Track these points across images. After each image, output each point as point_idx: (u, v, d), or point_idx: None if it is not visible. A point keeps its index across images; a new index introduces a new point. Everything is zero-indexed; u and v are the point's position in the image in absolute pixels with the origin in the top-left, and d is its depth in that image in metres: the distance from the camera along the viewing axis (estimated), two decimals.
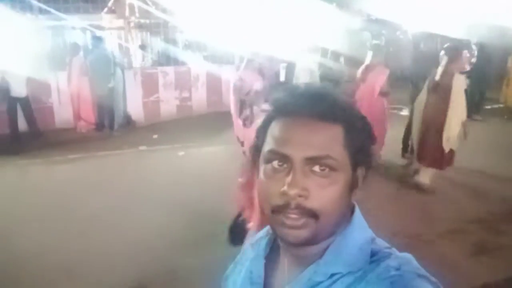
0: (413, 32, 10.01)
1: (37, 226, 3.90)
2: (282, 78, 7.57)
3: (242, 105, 4.69)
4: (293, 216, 0.65)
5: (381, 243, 0.72)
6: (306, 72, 4.99)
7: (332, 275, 0.68)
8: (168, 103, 8.15)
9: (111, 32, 10.25)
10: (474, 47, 7.18)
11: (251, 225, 2.39)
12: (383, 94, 4.77)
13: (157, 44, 9.84)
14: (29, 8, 7.77)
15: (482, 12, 7.68)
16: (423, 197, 4.40)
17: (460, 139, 4.28)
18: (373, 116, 4.66)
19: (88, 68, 7.04)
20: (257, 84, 4.72)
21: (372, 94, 4.69)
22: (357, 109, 0.73)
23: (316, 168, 0.65)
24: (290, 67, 6.57)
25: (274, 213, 0.67)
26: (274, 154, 0.67)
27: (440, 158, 4.39)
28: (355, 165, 0.69)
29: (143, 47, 10.14)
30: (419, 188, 4.51)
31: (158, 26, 9.32)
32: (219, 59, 8.74)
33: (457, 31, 7.24)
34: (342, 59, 7.49)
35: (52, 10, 7.98)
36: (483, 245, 3.45)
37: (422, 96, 4.57)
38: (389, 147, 5.09)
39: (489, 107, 8.24)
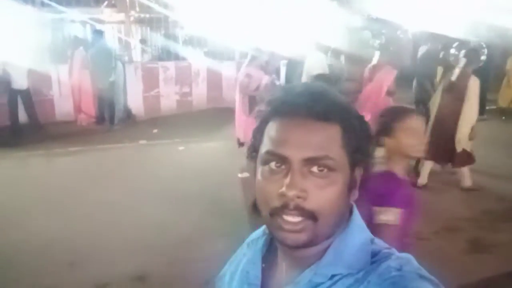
0: (413, 32, 10.05)
1: (37, 218, 3.94)
2: (282, 75, 7.60)
3: (251, 102, 4.71)
4: (292, 218, 0.64)
5: (381, 243, 0.72)
6: (317, 71, 4.94)
7: (333, 276, 0.67)
8: (169, 98, 8.17)
9: (111, 26, 10.24)
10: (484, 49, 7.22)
11: None
12: (389, 93, 4.83)
13: (157, 39, 9.84)
14: (31, 0, 7.75)
15: (482, 12, 7.71)
16: (419, 195, 4.45)
17: (469, 139, 4.39)
18: (376, 113, 4.72)
19: (89, 61, 7.05)
20: (266, 78, 4.74)
21: (379, 93, 4.75)
22: (354, 109, 0.72)
23: (315, 169, 0.65)
24: (291, 65, 6.58)
25: (273, 215, 0.66)
26: (272, 155, 0.66)
27: (451, 157, 4.48)
28: (353, 165, 0.69)
29: (143, 41, 10.14)
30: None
31: (158, 21, 9.32)
32: (219, 55, 8.75)
33: (457, 31, 7.27)
34: (342, 58, 7.50)
35: (53, 3, 7.95)
36: (478, 242, 3.50)
37: (436, 96, 4.65)
38: None
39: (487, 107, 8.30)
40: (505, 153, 5.63)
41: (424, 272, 0.64)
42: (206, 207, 4.17)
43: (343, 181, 0.67)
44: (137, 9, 10.21)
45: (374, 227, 1.76)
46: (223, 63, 8.58)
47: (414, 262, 0.66)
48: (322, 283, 0.67)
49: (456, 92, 4.37)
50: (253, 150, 0.73)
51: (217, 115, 7.95)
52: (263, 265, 0.77)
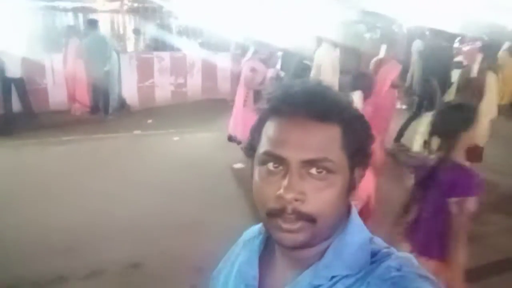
0: (408, 26, 10.10)
1: (31, 207, 3.95)
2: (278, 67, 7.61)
3: (256, 96, 4.72)
4: (290, 220, 0.63)
5: (380, 242, 0.71)
6: (329, 67, 4.88)
7: (332, 277, 0.67)
8: (163, 88, 8.14)
9: (104, 15, 10.15)
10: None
11: None
12: (394, 86, 4.91)
13: (151, 29, 9.77)
14: None
15: (476, 7, 7.77)
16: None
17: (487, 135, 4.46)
18: (382, 106, 4.85)
19: (84, 51, 7.01)
20: (271, 72, 4.75)
21: (383, 86, 4.83)
22: (354, 108, 0.70)
23: (313, 171, 0.64)
24: (287, 57, 6.60)
25: (270, 216, 0.65)
26: (270, 156, 0.65)
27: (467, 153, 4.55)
28: (352, 166, 0.68)
29: (136, 31, 10.07)
30: None
31: (151, 11, 9.26)
32: (214, 46, 8.73)
33: (451, 26, 7.33)
34: (337, 50, 7.54)
35: None
36: (468, 233, 3.58)
37: (451, 93, 4.73)
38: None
39: None
40: (492, 145, 5.71)
41: (423, 271, 0.64)
42: (200, 197, 4.21)
43: (342, 183, 0.66)
44: None
45: (448, 219, 1.84)
46: (218, 54, 8.56)
47: (414, 261, 0.66)
48: (322, 285, 0.67)
49: (474, 88, 4.41)
50: (251, 148, 0.71)
51: (212, 106, 7.96)
52: (260, 264, 0.76)
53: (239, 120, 4.96)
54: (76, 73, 7.19)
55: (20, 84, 6.60)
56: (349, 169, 0.67)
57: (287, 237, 0.65)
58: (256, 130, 0.70)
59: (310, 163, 0.63)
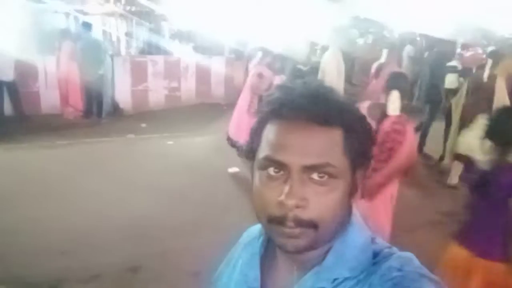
0: (400, 32, 10.22)
1: (25, 209, 3.91)
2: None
3: (261, 102, 4.76)
4: (291, 226, 0.63)
5: (381, 243, 0.70)
6: (334, 72, 4.87)
7: (335, 279, 0.66)
8: (157, 92, 8.12)
9: (95, 18, 10.11)
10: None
11: None
12: None
13: (143, 32, 9.77)
14: None
15: (468, 14, 7.91)
16: (404, 191, 4.58)
17: None
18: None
19: (78, 54, 6.97)
20: (277, 78, 4.78)
21: (382, 89, 4.89)
22: (356, 109, 0.69)
23: (315, 176, 0.62)
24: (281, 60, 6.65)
25: (271, 222, 0.64)
26: (270, 161, 0.64)
27: None
28: (354, 169, 0.67)
29: (128, 34, 10.06)
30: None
31: (144, 14, 9.26)
32: (208, 50, 8.75)
33: (443, 32, 7.45)
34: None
35: None
36: None
37: (460, 97, 4.79)
38: None
39: None
40: None
41: (425, 270, 0.64)
42: (196, 201, 4.21)
43: (344, 187, 0.65)
44: (122, 1, 10.12)
45: (509, 220, 1.91)
46: (212, 58, 8.58)
47: (415, 260, 0.66)
48: (324, 287, 0.66)
49: (483, 93, 4.49)
50: (250, 151, 0.70)
51: (206, 110, 7.97)
52: (262, 266, 0.75)
53: (244, 126, 4.97)
54: (69, 76, 7.14)
55: (12, 87, 6.54)
56: (351, 172, 0.66)
57: (289, 242, 0.64)
58: (256, 133, 0.69)
59: (311, 168, 0.62)
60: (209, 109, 8.08)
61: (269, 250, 0.77)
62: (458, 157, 3.65)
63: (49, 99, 7.33)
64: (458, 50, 7.15)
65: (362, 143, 0.67)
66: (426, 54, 7.93)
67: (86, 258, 3.22)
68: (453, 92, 5.31)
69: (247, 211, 0.71)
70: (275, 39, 7.18)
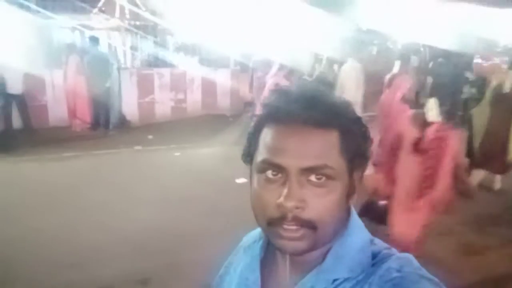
0: (403, 43, 10.29)
1: (33, 222, 3.92)
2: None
3: None
4: (291, 228, 0.63)
5: (380, 244, 0.71)
6: (353, 85, 4.88)
7: (334, 280, 0.67)
8: (163, 104, 8.20)
9: (100, 32, 10.24)
10: None
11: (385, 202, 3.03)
12: (405, 100, 5.03)
13: (147, 46, 9.88)
14: (19, 5, 7.73)
15: (470, 24, 7.96)
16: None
17: None
18: (392, 119, 4.96)
19: (85, 67, 7.07)
20: None
21: (393, 99, 4.97)
22: (352, 110, 0.69)
23: (313, 178, 0.63)
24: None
25: (270, 225, 0.65)
26: (268, 165, 0.64)
27: (502, 165, 4.69)
28: (351, 170, 0.67)
29: (133, 48, 10.17)
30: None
31: (148, 28, 9.38)
32: (214, 62, 8.85)
33: (445, 42, 7.50)
34: (336, 66, 7.67)
35: (40, 9, 7.96)
36: (471, 245, 3.62)
37: (484, 108, 4.86)
38: None
39: None
40: None
41: (424, 272, 0.64)
42: (205, 213, 4.20)
43: (342, 188, 0.65)
44: (127, 16, 10.26)
45: None
46: (217, 70, 8.67)
47: (414, 262, 0.66)
48: None
49: (506, 104, 4.58)
50: (248, 155, 0.71)
51: (212, 122, 8.03)
52: (262, 270, 0.76)
53: None
54: (77, 89, 7.23)
55: (21, 100, 6.63)
56: (348, 173, 0.67)
57: (289, 244, 0.64)
58: (253, 137, 0.69)
59: (309, 170, 0.63)
60: (215, 120, 8.13)
61: (269, 253, 0.77)
62: None
63: (56, 112, 7.42)
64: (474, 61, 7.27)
65: (359, 144, 0.68)
66: (431, 64, 7.98)
67: (94, 271, 3.21)
68: (464, 101, 5.34)
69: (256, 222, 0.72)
70: (280, 51, 7.26)
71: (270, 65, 7.29)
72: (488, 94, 4.86)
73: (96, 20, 10.10)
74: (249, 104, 8.25)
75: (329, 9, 8.24)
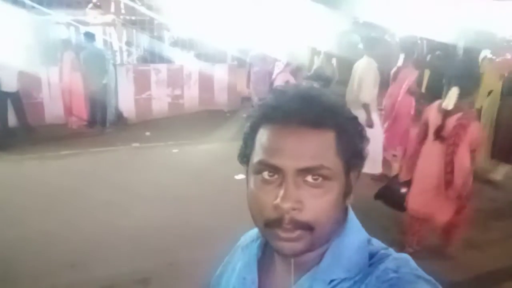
0: (401, 36, 10.25)
1: (33, 221, 3.90)
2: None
3: None
4: (288, 229, 0.63)
5: (378, 244, 0.71)
6: (371, 82, 4.72)
7: (331, 281, 0.67)
8: (160, 100, 8.14)
9: (95, 27, 10.14)
10: None
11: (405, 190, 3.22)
12: (410, 92, 5.05)
13: (143, 41, 9.80)
14: (13, 1, 7.63)
15: (470, 17, 7.93)
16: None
17: None
18: (399, 112, 4.97)
19: (80, 64, 7.00)
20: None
21: (400, 92, 4.98)
22: (348, 110, 0.69)
23: (309, 178, 0.63)
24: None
25: (267, 226, 0.65)
26: (264, 166, 0.64)
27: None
28: (348, 170, 0.67)
29: (128, 44, 10.10)
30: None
31: (144, 23, 9.30)
32: (211, 57, 8.78)
33: (444, 35, 7.47)
34: (334, 61, 7.63)
35: (35, 4, 7.86)
36: (473, 239, 3.61)
37: (495, 100, 4.94)
38: None
39: None
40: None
41: (421, 272, 0.64)
42: (204, 210, 4.19)
43: (338, 188, 0.65)
44: (123, 11, 10.16)
45: None
46: (214, 65, 8.61)
47: (412, 262, 0.66)
48: None
49: None
50: (244, 156, 0.71)
51: (209, 118, 7.99)
52: (259, 269, 0.76)
53: None
54: (73, 86, 7.16)
55: (16, 98, 6.56)
56: (345, 173, 0.67)
57: (286, 246, 0.64)
58: (249, 138, 0.69)
59: (306, 171, 0.62)
60: (212, 116, 8.10)
61: (266, 253, 0.77)
62: None
63: (53, 109, 7.35)
64: (483, 56, 7.30)
65: (355, 144, 0.68)
66: (428, 57, 7.96)
67: (95, 271, 3.19)
68: None
69: None
70: (277, 45, 7.21)
71: (267, 59, 7.26)
72: (503, 85, 4.95)
73: (91, 16, 10.00)
74: (247, 99, 8.22)
75: (326, 2, 8.19)
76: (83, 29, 8.52)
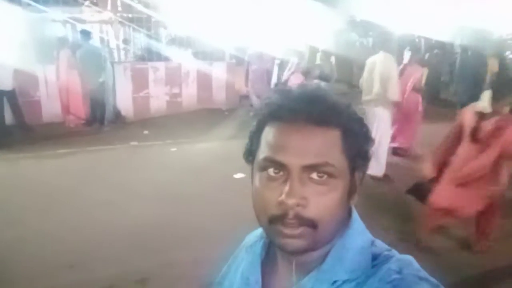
0: (398, 34, 10.25)
1: (31, 220, 3.88)
2: (274, 75, 7.67)
3: None
4: (291, 225, 0.63)
5: (381, 245, 0.71)
6: (395, 77, 4.52)
7: (334, 282, 0.67)
8: (158, 98, 8.11)
9: (92, 25, 10.09)
10: None
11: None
12: (417, 89, 5.04)
13: (140, 39, 9.76)
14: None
15: (467, 15, 7.94)
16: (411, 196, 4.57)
17: None
18: (406, 108, 4.97)
19: (77, 62, 6.96)
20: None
21: (405, 89, 4.99)
22: (354, 110, 0.70)
23: (314, 175, 0.63)
24: (283, 65, 6.69)
25: (271, 223, 0.65)
26: (270, 162, 0.65)
27: None
28: (353, 170, 0.68)
29: (126, 41, 10.05)
30: None
31: (141, 21, 9.25)
32: (209, 55, 8.76)
33: (442, 34, 7.48)
34: (332, 59, 7.63)
35: (32, 2, 7.81)
36: (468, 240, 3.62)
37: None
38: None
39: None
40: None
41: (424, 273, 0.64)
42: (203, 209, 4.17)
43: (343, 187, 0.66)
44: (119, 8, 10.11)
45: None
46: (212, 63, 8.58)
47: (415, 263, 0.66)
48: None
49: None
50: (249, 154, 0.71)
51: (208, 116, 7.97)
52: (263, 269, 0.76)
53: None
54: (70, 84, 7.12)
55: (12, 96, 6.52)
56: (350, 172, 0.67)
57: (289, 242, 0.65)
58: (255, 136, 0.70)
59: (311, 168, 0.63)
60: (211, 114, 8.08)
61: (270, 254, 0.78)
62: None
63: (50, 107, 7.31)
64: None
65: (360, 144, 0.68)
66: (426, 55, 7.97)
67: (94, 271, 3.17)
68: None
69: (256, 218, 0.71)
70: (274, 43, 7.20)
71: (265, 58, 7.26)
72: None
73: (88, 13, 9.95)
74: (245, 98, 8.21)
75: (324, 0, 8.18)
76: (79, 27, 8.47)
